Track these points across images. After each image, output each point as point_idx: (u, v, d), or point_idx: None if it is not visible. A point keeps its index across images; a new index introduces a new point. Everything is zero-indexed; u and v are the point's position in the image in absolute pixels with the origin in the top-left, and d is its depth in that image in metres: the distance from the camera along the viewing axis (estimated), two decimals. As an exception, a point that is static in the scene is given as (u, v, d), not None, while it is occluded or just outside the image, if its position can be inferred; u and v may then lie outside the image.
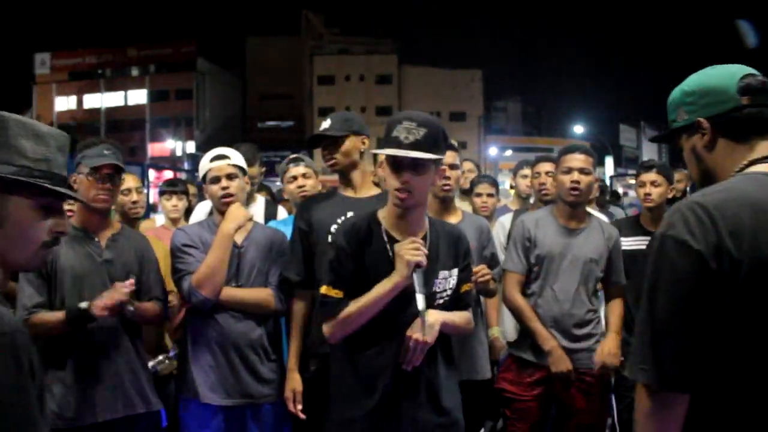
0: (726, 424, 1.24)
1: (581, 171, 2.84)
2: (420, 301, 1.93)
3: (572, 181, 2.84)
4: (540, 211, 3.13)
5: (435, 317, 2.03)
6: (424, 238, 2.07)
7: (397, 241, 2.02)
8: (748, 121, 1.34)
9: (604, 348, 2.86)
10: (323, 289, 2.07)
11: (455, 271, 2.13)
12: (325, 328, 2.05)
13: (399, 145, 1.94)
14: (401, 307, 2.00)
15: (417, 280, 1.94)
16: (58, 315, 2.35)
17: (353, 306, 1.99)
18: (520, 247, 2.95)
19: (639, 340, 1.28)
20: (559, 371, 2.79)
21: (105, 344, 2.45)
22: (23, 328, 1.13)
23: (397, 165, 1.96)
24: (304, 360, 2.61)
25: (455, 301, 2.15)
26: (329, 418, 2.12)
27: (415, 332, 1.97)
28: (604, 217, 4.04)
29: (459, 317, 2.15)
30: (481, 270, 2.73)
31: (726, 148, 1.36)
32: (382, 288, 1.97)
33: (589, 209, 4.13)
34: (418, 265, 1.94)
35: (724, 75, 1.39)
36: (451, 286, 2.12)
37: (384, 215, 2.08)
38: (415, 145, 1.93)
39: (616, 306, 3.00)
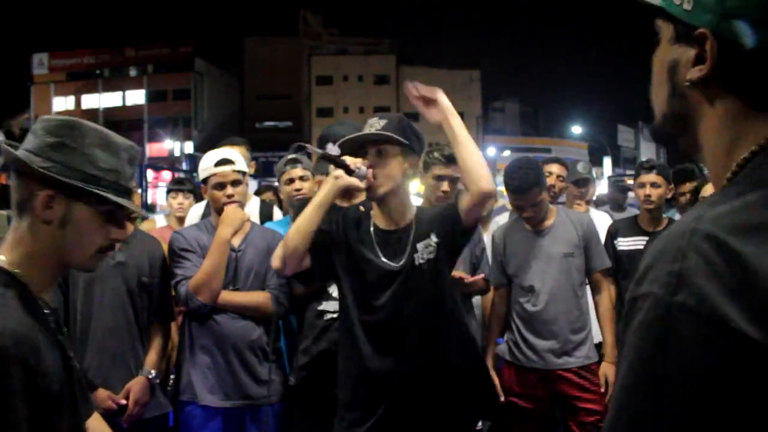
0: None
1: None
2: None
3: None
4: (508, 221, 3.16)
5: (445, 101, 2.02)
6: (408, 225, 2.12)
7: (382, 230, 2.12)
8: None
9: (609, 377, 2.87)
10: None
11: (433, 238, 2.09)
12: (273, 256, 2.08)
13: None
14: (395, 312, 2.03)
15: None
16: None
17: (294, 225, 2.02)
18: (495, 262, 3.02)
19: None
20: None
21: (114, 348, 2.46)
22: (21, 339, 1.09)
23: (363, 154, 2.06)
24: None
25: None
26: (336, 423, 2.14)
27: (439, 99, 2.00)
28: (606, 217, 4.04)
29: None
30: (463, 276, 2.75)
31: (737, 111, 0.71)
32: (321, 194, 2.01)
33: (593, 209, 4.15)
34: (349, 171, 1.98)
35: None
36: (432, 247, 2.09)
37: (373, 209, 2.17)
38: (376, 133, 2.05)
39: (604, 303, 2.98)
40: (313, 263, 2.08)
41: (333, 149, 1.98)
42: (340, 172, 1.97)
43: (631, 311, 0.63)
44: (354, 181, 1.98)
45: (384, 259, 2.08)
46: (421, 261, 2.07)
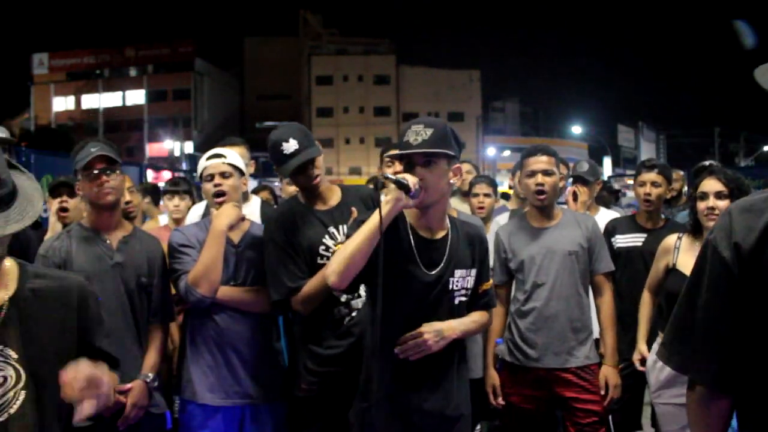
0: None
1: (545, 173, 2.87)
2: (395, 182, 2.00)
3: (537, 184, 2.88)
4: (513, 219, 3.16)
5: (450, 327, 2.14)
6: (444, 237, 2.20)
7: (420, 236, 2.16)
8: None
9: (609, 381, 2.89)
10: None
11: (473, 271, 2.24)
12: (328, 272, 2.05)
13: (409, 147, 2.10)
14: (418, 303, 2.11)
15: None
16: None
17: (352, 240, 2.02)
18: (498, 260, 3.03)
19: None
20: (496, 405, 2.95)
21: (112, 351, 2.44)
22: None
23: (410, 165, 2.10)
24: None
25: (474, 300, 2.26)
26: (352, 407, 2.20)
27: (428, 332, 2.08)
28: (615, 215, 4.03)
29: (473, 322, 2.25)
30: None
31: None
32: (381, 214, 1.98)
33: (603, 208, 4.14)
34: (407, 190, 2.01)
35: None
36: (469, 285, 2.22)
37: (409, 212, 2.21)
38: (422, 145, 2.09)
39: (606, 305, 2.97)
40: (363, 270, 2.05)
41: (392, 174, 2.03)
42: (401, 193, 2.00)
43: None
44: (411, 203, 2.04)
45: (424, 269, 2.13)
46: (456, 287, 2.17)
